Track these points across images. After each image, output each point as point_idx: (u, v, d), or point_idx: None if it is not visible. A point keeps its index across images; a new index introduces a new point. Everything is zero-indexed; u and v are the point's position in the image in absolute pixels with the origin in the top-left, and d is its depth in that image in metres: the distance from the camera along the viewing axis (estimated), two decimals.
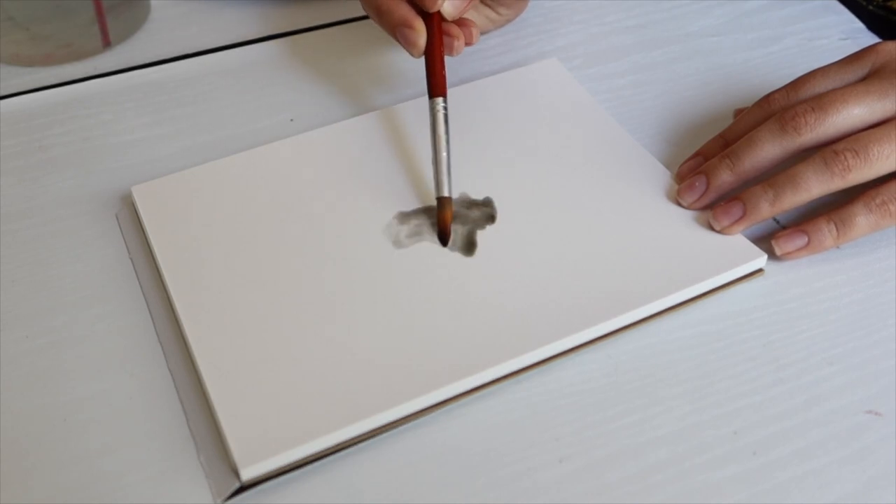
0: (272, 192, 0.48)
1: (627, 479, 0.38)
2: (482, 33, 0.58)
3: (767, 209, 0.45)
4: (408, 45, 0.49)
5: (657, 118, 0.54)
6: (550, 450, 0.39)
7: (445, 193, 0.46)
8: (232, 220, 0.47)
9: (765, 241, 0.47)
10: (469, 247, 0.45)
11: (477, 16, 0.56)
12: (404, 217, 0.47)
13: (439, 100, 0.48)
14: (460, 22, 0.50)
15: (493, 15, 0.56)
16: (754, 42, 0.59)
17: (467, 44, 0.50)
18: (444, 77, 0.49)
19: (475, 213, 0.47)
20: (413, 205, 0.48)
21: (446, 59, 0.49)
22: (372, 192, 0.48)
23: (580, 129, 0.52)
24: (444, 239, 0.46)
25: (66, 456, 0.39)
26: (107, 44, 0.58)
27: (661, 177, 0.49)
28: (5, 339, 0.43)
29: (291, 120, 0.54)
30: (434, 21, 0.49)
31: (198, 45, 0.59)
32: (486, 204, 0.48)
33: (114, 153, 0.52)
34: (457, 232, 0.46)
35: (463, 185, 0.49)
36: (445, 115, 0.48)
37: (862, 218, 0.45)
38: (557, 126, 0.52)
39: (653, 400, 0.41)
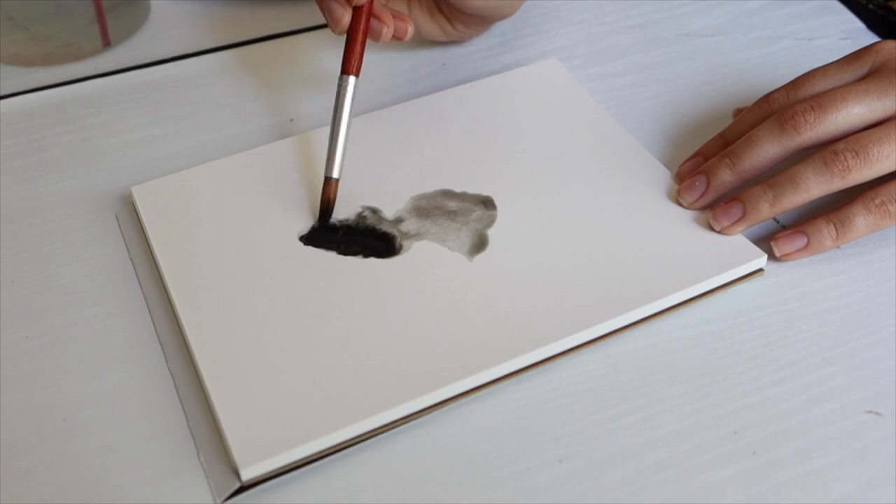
0: (272, 192, 0.48)
1: (627, 479, 0.38)
2: (435, 42, 0.57)
3: (767, 209, 0.45)
4: (331, 19, 0.47)
5: (657, 118, 0.54)
6: (550, 450, 0.39)
7: (334, 175, 0.46)
8: (232, 220, 0.47)
9: (765, 241, 0.47)
10: (480, 246, 0.45)
11: (432, 26, 0.55)
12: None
13: (349, 77, 0.47)
14: (397, 14, 0.49)
15: (448, 28, 0.56)
16: (754, 42, 0.59)
17: (397, 37, 0.49)
18: (360, 55, 0.47)
19: (475, 214, 0.47)
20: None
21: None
22: (373, 192, 0.48)
23: (580, 129, 0.52)
24: (323, 218, 0.46)
25: (66, 456, 0.39)
26: (107, 44, 0.58)
27: (661, 177, 0.49)
28: (5, 339, 0.43)
29: (291, 120, 0.54)
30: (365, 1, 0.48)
31: (198, 45, 0.59)
32: (487, 204, 0.48)
33: (114, 153, 0.52)
34: (461, 232, 0.46)
35: (463, 184, 0.49)
36: (352, 95, 0.47)
37: (861, 218, 0.45)
38: (557, 126, 0.52)
39: (653, 400, 0.41)
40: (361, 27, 0.47)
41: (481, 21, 0.55)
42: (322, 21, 0.60)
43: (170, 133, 0.53)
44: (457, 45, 0.58)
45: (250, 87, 0.56)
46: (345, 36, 0.48)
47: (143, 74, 0.57)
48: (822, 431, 0.40)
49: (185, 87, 0.56)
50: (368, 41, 0.48)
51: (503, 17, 0.55)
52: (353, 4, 0.47)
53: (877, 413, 0.41)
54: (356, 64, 0.47)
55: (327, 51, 0.58)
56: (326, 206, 0.46)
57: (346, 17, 0.47)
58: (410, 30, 0.49)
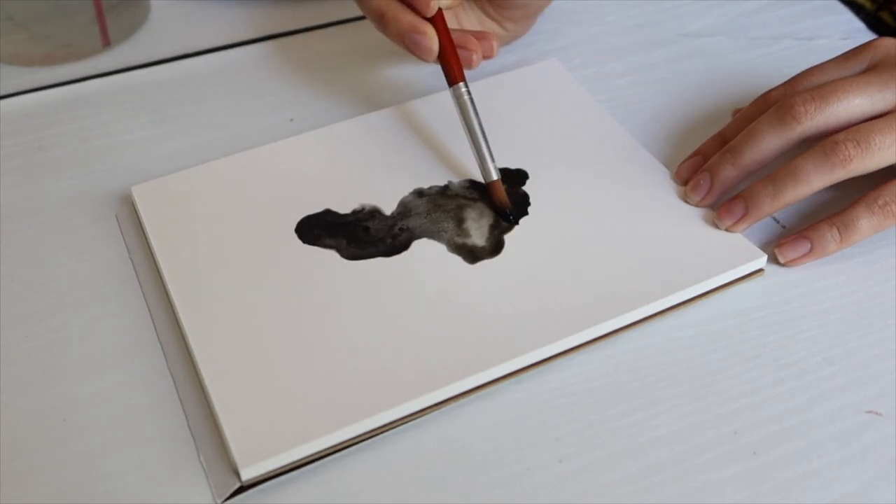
0: (272, 192, 0.48)
1: (627, 479, 0.38)
2: None
3: (769, 204, 0.45)
4: (420, 51, 0.48)
5: (657, 118, 0.54)
6: (550, 450, 0.39)
7: (494, 177, 0.47)
8: (232, 220, 0.47)
9: (767, 244, 0.47)
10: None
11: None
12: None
13: (460, 85, 0.48)
14: (479, 35, 0.50)
15: (499, 31, 0.55)
16: (754, 42, 0.59)
17: (486, 56, 0.50)
18: (459, 63, 0.48)
19: (476, 214, 0.47)
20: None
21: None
22: (372, 191, 0.48)
23: (580, 130, 0.52)
24: (506, 216, 0.47)
25: (66, 456, 0.39)
26: (106, 44, 0.58)
27: (661, 177, 0.49)
28: (5, 339, 0.43)
29: (291, 120, 0.54)
30: (438, 19, 0.48)
31: (198, 45, 0.59)
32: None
33: (114, 153, 0.52)
34: (471, 229, 0.46)
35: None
36: (471, 99, 0.48)
37: (864, 220, 0.45)
38: (557, 126, 0.52)
39: (653, 400, 0.41)
40: (446, 38, 0.48)
41: (526, 15, 0.55)
42: (321, 21, 0.60)
43: (170, 133, 0.53)
44: None
45: (250, 87, 0.56)
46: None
47: (143, 74, 0.57)
48: (822, 431, 0.40)
49: (185, 87, 0.56)
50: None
51: (547, 3, 0.55)
52: (428, 16, 0.47)
53: (877, 413, 0.41)
54: (460, 71, 0.48)
55: (328, 51, 0.59)
56: (504, 208, 0.47)
57: (434, 44, 0.47)
58: (496, 45, 0.50)
